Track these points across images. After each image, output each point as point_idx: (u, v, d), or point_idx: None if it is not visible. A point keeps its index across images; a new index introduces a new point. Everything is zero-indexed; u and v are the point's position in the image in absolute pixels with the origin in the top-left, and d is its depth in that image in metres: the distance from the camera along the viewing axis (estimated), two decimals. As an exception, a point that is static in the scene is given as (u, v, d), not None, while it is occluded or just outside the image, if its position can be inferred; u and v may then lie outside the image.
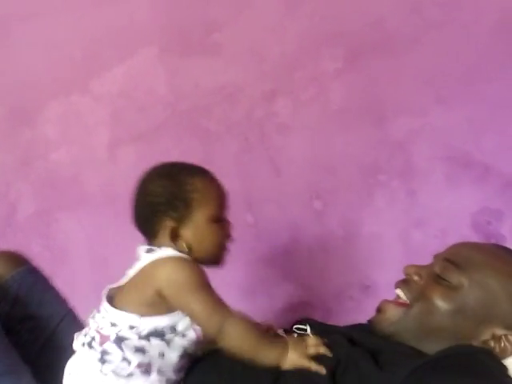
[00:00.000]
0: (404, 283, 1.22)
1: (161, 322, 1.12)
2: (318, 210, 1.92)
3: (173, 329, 1.13)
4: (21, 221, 2.34)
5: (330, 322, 1.34)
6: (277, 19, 1.93)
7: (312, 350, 1.11)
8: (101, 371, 1.11)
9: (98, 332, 1.14)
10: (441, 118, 1.79)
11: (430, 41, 1.79)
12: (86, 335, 1.17)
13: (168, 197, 1.17)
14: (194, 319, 1.12)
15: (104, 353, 1.12)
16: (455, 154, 1.79)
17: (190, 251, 1.17)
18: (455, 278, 1.15)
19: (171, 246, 1.16)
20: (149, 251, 1.17)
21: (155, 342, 1.11)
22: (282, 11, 1.92)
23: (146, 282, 1.14)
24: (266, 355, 1.10)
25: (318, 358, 1.09)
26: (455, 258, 1.18)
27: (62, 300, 1.52)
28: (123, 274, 1.21)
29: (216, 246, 1.21)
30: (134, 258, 1.21)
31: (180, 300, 1.11)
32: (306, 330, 1.21)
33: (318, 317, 1.32)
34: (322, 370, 1.06)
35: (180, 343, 1.14)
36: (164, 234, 1.17)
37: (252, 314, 1.16)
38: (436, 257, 1.25)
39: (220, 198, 1.23)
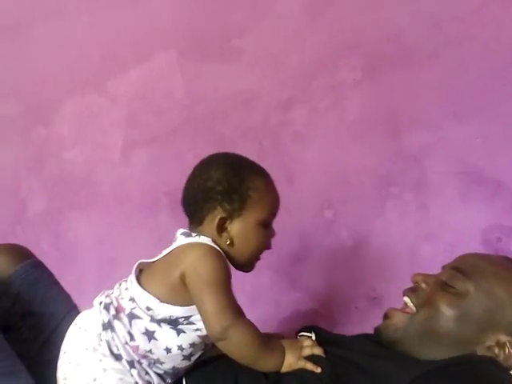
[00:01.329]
0: (411, 291, 1.24)
1: (177, 311, 1.12)
2: (329, 219, 1.92)
3: (187, 320, 1.12)
4: (30, 218, 2.35)
5: (336, 332, 1.35)
6: (297, 28, 1.95)
7: (307, 351, 1.13)
8: (99, 335, 1.12)
9: (117, 300, 1.15)
10: (456, 134, 1.79)
11: (448, 56, 1.79)
12: (107, 296, 1.17)
13: (227, 187, 1.16)
14: (202, 314, 1.10)
15: (115, 317, 1.12)
16: (468, 170, 1.79)
17: (230, 246, 1.16)
18: (461, 284, 1.16)
19: (211, 237, 1.15)
20: (186, 235, 1.17)
21: (166, 328, 1.11)
22: (303, 20, 1.94)
23: (174, 263, 1.13)
24: (265, 363, 1.11)
25: (314, 361, 1.10)
26: (462, 266, 1.20)
27: (65, 297, 1.51)
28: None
29: (255, 251, 1.20)
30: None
31: (196, 289, 1.10)
32: (310, 338, 1.20)
33: (324, 326, 1.32)
34: (318, 370, 1.08)
35: (191, 336, 1.12)
36: (211, 222, 1.17)
37: (258, 322, 1.16)
38: (444, 267, 1.26)
39: (274, 205, 1.22)
